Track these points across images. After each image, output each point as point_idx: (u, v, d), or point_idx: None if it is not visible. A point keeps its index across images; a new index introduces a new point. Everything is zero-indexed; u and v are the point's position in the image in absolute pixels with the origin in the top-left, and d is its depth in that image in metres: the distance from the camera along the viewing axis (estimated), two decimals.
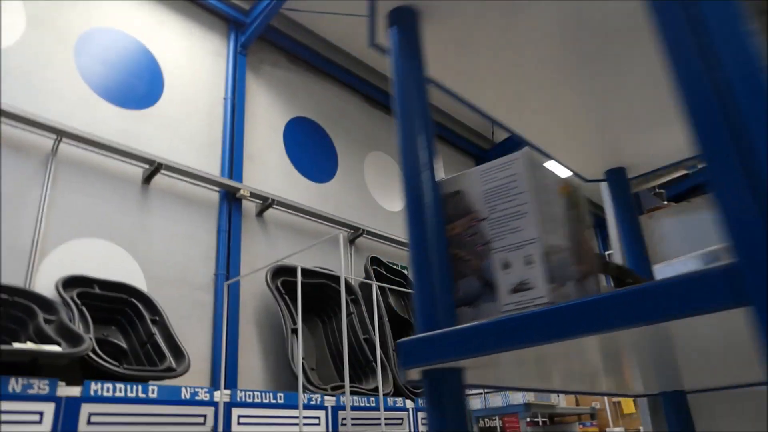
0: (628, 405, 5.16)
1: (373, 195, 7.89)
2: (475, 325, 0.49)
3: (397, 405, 5.01)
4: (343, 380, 5.42)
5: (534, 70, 0.98)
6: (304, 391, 4.77)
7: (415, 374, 0.57)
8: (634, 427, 5.13)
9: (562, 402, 4.37)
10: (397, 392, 5.39)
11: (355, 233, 7.17)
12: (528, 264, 0.55)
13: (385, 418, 4.90)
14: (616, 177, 1.35)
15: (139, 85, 5.66)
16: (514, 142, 9.92)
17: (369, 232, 7.21)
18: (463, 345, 0.48)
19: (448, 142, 9.79)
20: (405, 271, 7.50)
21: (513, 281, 0.56)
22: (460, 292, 0.59)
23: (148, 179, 5.35)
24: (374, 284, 5.27)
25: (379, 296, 6.30)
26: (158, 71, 5.88)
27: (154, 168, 5.30)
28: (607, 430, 5.25)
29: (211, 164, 5.95)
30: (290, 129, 7.09)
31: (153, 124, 5.62)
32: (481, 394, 4.16)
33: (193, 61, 6.28)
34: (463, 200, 0.62)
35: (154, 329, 4.53)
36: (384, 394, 5.23)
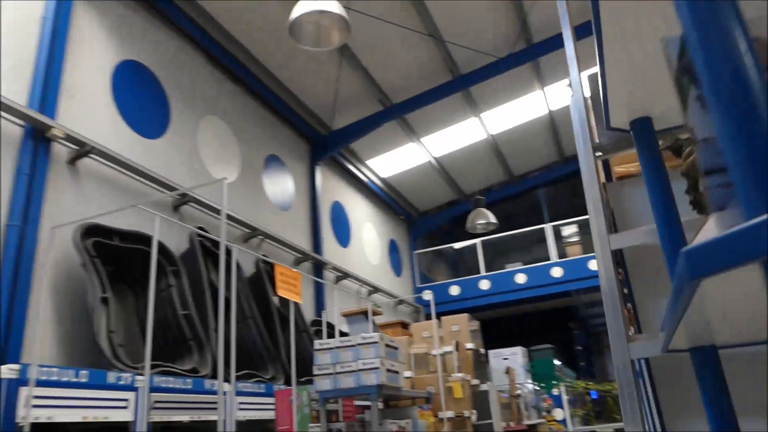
0: (457, 390, 5.59)
1: (204, 162, 7.32)
2: None
3: (214, 388, 4.73)
4: (155, 359, 4.94)
5: None
6: (109, 370, 4.24)
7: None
8: (461, 411, 5.59)
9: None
10: (215, 374, 5.10)
11: (181, 199, 6.57)
12: None
13: (201, 402, 4.59)
14: (642, 127, 1.19)
15: None
16: (353, 130, 10.09)
17: (197, 201, 6.68)
18: None
19: (286, 121, 9.54)
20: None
21: None
22: None
23: None
24: (234, 247, 4.86)
25: (205, 269, 5.88)
26: None
27: None
28: (439, 413, 5.62)
29: (15, 91, 4.90)
30: (121, 72, 6.20)
31: None
32: (331, 374, 4.10)
33: None
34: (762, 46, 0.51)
35: None
36: (201, 376, 4.91)
